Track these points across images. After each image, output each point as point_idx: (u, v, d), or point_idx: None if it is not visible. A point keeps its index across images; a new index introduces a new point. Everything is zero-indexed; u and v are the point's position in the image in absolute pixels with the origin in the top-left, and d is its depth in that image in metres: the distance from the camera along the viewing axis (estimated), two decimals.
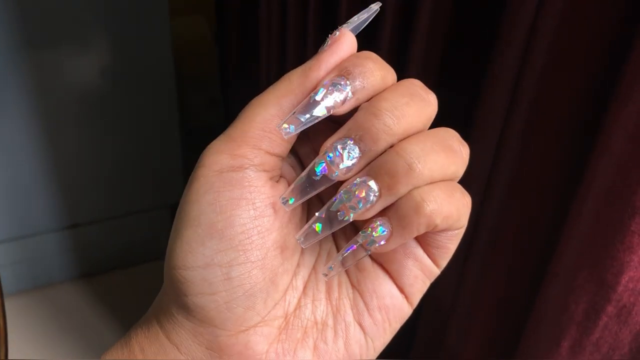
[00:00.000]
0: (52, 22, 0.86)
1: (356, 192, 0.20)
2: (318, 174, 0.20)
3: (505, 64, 0.42)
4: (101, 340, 1.00)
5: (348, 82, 0.20)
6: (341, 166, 0.20)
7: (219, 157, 0.21)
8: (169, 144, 1.03)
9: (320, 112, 0.20)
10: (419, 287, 0.24)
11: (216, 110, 1.35)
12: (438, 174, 0.21)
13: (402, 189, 0.20)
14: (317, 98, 0.20)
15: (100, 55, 0.92)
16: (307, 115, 0.20)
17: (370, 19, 0.23)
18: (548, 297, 0.40)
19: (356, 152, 0.20)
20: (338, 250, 0.24)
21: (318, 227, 0.21)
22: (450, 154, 0.21)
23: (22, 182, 0.97)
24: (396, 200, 0.20)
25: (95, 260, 1.12)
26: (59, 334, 1.02)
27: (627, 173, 0.33)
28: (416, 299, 0.24)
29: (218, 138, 0.22)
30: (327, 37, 0.22)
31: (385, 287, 0.23)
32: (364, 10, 0.23)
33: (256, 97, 0.22)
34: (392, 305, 0.23)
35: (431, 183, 0.20)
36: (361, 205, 0.20)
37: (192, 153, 1.25)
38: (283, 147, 0.22)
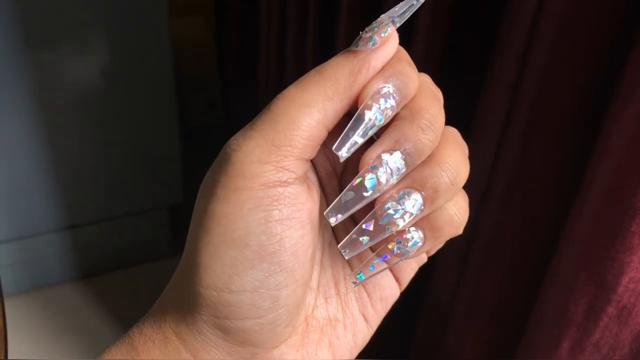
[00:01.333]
0: (52, 22, 0.86)
1: (404, 205, 0.20)
2: (370, 189, 0.20)
3: (506, 64, 0.42)
4: (100, 341, 1.00)
5: (396, 95, 0.20)
6: (390, 181, 0.20)
7: (263, 167, 0.19)
8: (169, 145, 1.03)
9: (373, 131, 0.20)
10: (411, 275, 0.25)
11: (216, 110, 1.35)
12: (463, 184, 0.21)
13: (442, 202, 0.20)
14: (372, 117, 0.19)
15: (99, 55, 0.92)
16: (362, 137, 0.20)
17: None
18: (548, 298, 0.40)
19: (402, 167, 0.20)
20: (338, 241, 0.24)
21: (365, 239, 0.20)
22: (467, 160, 0.21)
23: (22, 183, 0.96)
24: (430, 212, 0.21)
25: (95, 261, 1.11)
26: (58, 334, 1.02)
27: (628, 174, 0.33)
28: (406, 284, 0.25)
29: (253, 139, 0.19)
30: (372, 25, 0.20)
31: (385, 279, 0.24)
32: (403, 3, 0.21)
33: (296, 91, 0.20)
34: (391, 295, 0.25)
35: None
36: (407, 218, 0.20)
37: (191, 154, 1.25)
38: (315, 152, 0.21)
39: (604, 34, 0.35)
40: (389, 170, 0.20)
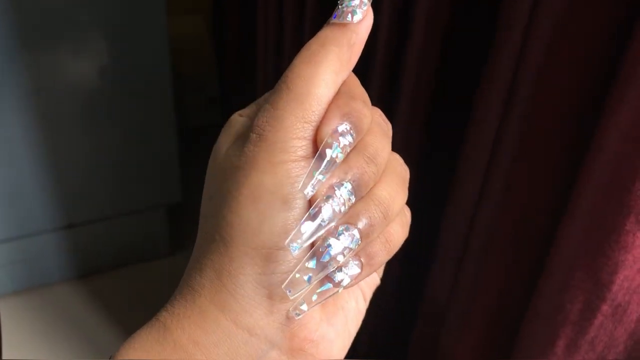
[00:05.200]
0: (50, 22, 0.86)
1: (343, 242, 0.21)
2: (325, 218, 0.21)
3: (502, 62, 0.43)
4: (98, 341, 1.00)
5: (353, 132, 0.21)
6: (342, 211, 0.21)
7: (302, 142, 0.21)
8: (167, 144, 1.03)
9: (334, 167, 0.21)
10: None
11: (214, 109, 1.35)
12: (399, 212, 0.23)
13: (376, 235, 0.22)
14: (333, 155, 0.21)
15: (97, 55, 0.92)
16: (325, 175, 0.21)
17: None
18: (543, 297, 0.41)
19: (352, 197, 0.21)
20: None
21: (308, 277, 0.21)
22: (404, 189, 0.23)
23: (19, 182, 0.96)
24: None
25: (92, 261, 1.11)
26: (56, 334, 1.02)
27: (622, 173, 0.33)
28: (380, 272, 0.28)
29: (286, 119, 0.21)
30: (347, 4, 0.22)
31: None
32: None
33: (309, 68, 0.21)
34: None
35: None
36: (347, 253, 0.21)
37: (189, 153, 1.25)
38: None
39: (599, 35, 0.35)
40: (342, 200, 0.21)
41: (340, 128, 0.21)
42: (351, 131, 0.21)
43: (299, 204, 0.21)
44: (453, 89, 0.51)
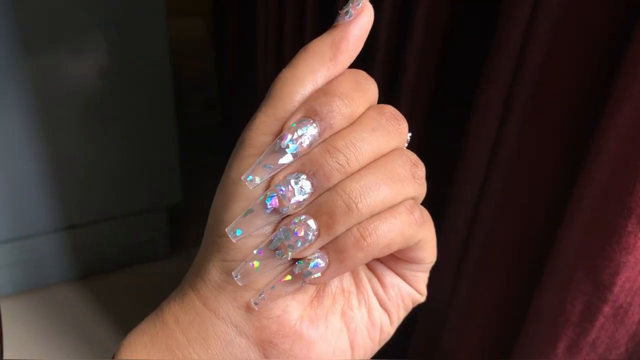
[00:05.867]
0: (51, 24, 0.86)
1: (295, 231, 0.21)
2: (269, 207, 0.21)
3: (502, 63, 0.43)
4: (98, 342, 1.00)
5: (315, 125, 0.21)
6: (292, 200, 0.21)
7: (269, 137, 0.21)
8: (167, 146, 1.03)
9: (287, 159, 0.21)
10: (423, 277, 0.26)
11: (214, 112, 1.35)
12: (379, 208, 0.21)
13: (341, 229, 0.21)
14: (283, 145, 0.21)
15: (98, 57, 0.92)
16: (273, 166, 0.21)
17: None
18: (544, 298, 0.41)
19: (308, 188, 0.21)
20: None
21: (256, 264, 0.21)
22: (395, 184, 0.21)
23: (20, 183, 0.96)
24: None
25: (93, 262, 1.11)
26: (56, 335, 1.02)
27: (623, 174, 0.33)
28: (421, 287, 0.26)
29: (259, 118, 0.22)
30: (348, 2, 0.22)
31: (392, 275, 0.26)
32: None
33: (288, 71, 0.22)
34: (403, 283, 0.26)
35: (372, 216, 0.21)
36: (300, 244, 0.21)
37: (190, 154, 1.25)
38: None
39: (600, 36, 0.35)
40: (290, 189, 0.21)
41: (302, 121, 0.21)
42: (313, 124, 0.21)
43: (249, 194, 0.21)
44: (453, 89, 0.51)
